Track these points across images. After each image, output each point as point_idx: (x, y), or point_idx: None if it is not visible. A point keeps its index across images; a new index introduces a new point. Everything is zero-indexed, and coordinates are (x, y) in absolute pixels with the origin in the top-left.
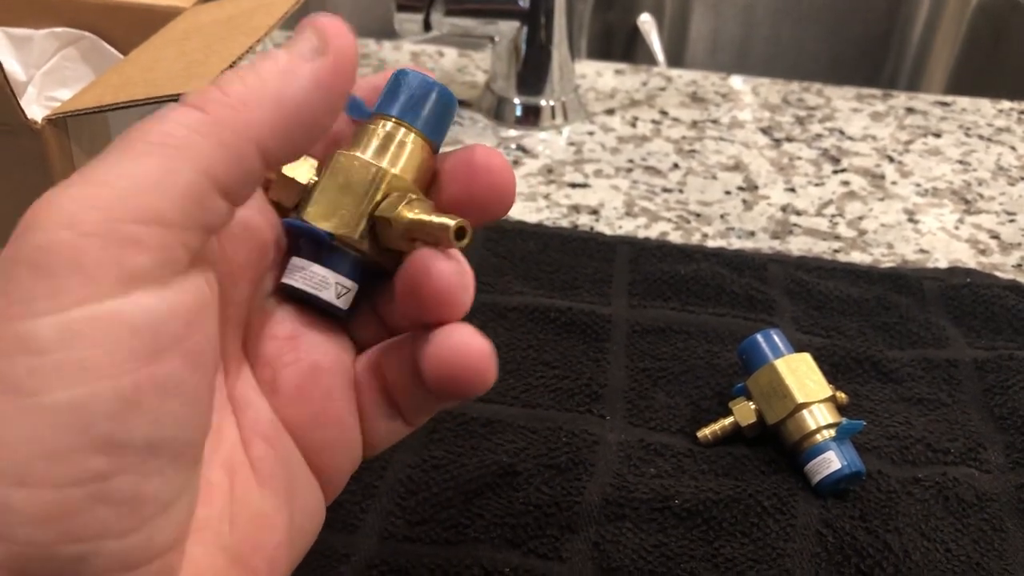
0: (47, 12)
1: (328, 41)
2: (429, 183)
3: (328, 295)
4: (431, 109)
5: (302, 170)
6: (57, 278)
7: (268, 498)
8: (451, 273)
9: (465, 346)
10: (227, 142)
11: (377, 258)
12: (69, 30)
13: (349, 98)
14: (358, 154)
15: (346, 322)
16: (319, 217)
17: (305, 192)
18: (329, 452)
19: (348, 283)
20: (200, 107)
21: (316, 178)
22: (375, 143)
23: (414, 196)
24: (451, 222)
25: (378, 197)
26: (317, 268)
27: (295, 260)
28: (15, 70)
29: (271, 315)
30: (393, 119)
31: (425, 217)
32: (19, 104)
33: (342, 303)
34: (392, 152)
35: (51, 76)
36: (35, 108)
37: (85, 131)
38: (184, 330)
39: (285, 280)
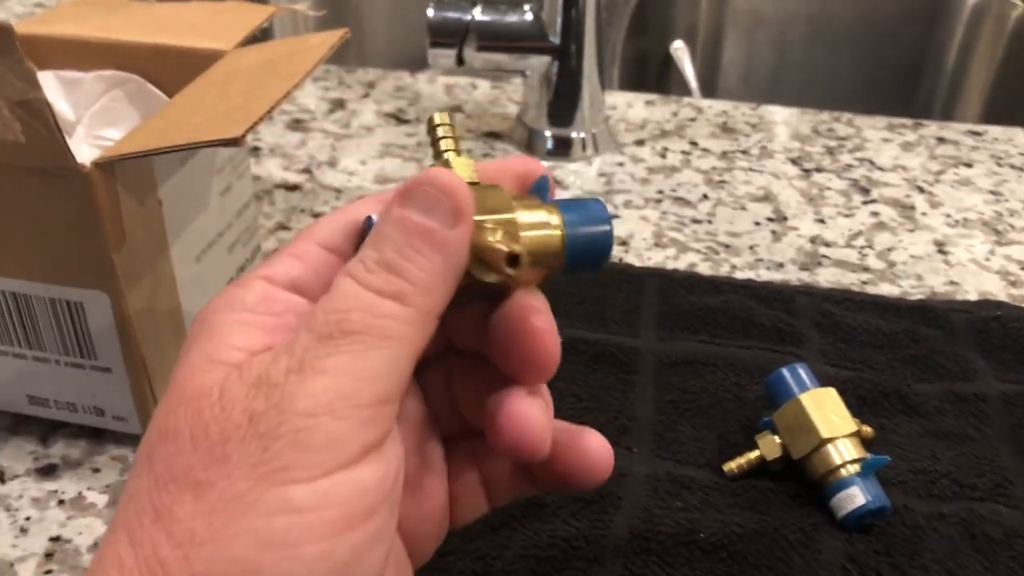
0: (96, 56)
1: (459, 205)
2: (531, 278)
3: None
4: (589, 244)
5: (466, 171)
6: (315, 453)
7: None
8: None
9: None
10: (426, 325)
11: None
12: (116, 73)
13: (541, 177)
14: (514, 201)
15: None
16: None
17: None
18: (423, 536)
19: None
20: (398, 299)
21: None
22: (532, 212)
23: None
24: (504, 248)
25: (489, 224)
26: None
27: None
28: (65, 111)
29: None
30: (561, 217)
31: (488, 239)
32: (69, 149)
33: None
34: (535, 228)
35: (99, 116)
36: (84, 147)
37: (131, 173)
38: (392, 487)
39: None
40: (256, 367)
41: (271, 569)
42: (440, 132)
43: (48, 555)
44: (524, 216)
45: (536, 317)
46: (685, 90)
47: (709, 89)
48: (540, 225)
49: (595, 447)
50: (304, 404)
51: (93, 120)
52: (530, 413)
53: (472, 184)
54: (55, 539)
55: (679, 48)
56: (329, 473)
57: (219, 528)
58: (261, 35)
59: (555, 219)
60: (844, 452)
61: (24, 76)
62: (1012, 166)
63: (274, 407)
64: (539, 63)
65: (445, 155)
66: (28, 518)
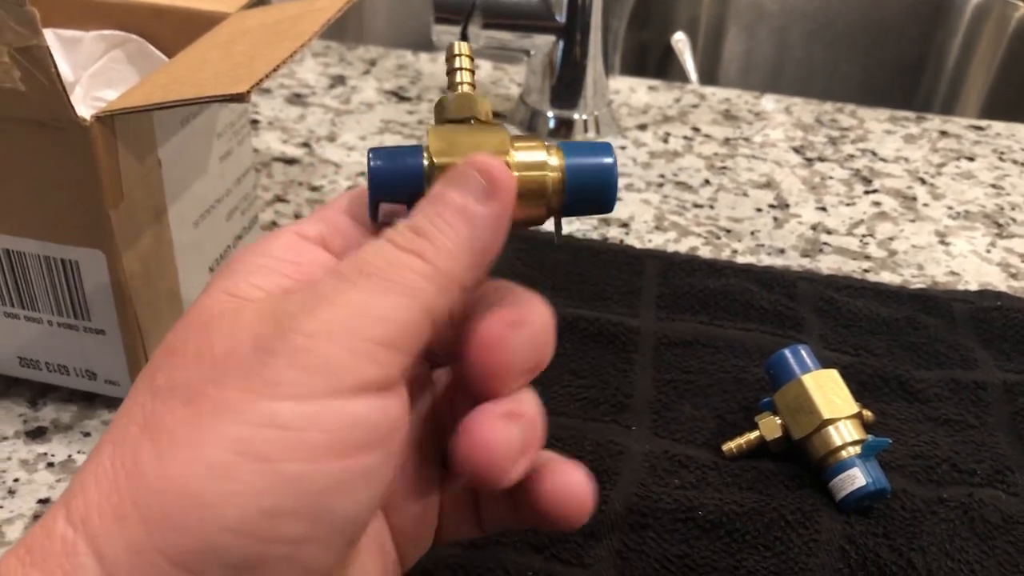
0: (96, 15)
1: (495, 183)
2: (526, 220)
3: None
4: (588, 183)
5: (479, 105)
6: (308, 373)
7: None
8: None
9: (577, 487)
10: (443, 285)
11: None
12: (117, 33)
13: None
14: (515, 141)
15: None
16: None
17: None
18: (409, 539)
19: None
20: (420, 255)
21: (480, 119)
22: (529, 152)
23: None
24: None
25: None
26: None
27: None
28: (64, 70)
29: None
30: (562, 158)
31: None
32: (69, 100)
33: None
34: (529, 168)
35: (98, 77)
36: (82, 108)
37: (131, 130)
38: (389, 433)
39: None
40: (273, 300)
41: (245, 479)
42: (458, 63)
43: (36, 517)
44: (520, 156)
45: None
46: (685, 82)
47: (709, 82)
48: (535, 165)
49: (573, 482)
50: (308, 326)
51: (92, 81)
52: (493, 435)
53: (476, 121)
54: (43, 501)
55: (680, 40)
56: (320, 397)
57: (201, 433)
58: None
59: (554, 160)
60: (845, 433)
61: (25, 21)
62: (1014, 161)
63: (278, 328)
64: (544, 42)
65: (461, 87)
66: (16, 480)
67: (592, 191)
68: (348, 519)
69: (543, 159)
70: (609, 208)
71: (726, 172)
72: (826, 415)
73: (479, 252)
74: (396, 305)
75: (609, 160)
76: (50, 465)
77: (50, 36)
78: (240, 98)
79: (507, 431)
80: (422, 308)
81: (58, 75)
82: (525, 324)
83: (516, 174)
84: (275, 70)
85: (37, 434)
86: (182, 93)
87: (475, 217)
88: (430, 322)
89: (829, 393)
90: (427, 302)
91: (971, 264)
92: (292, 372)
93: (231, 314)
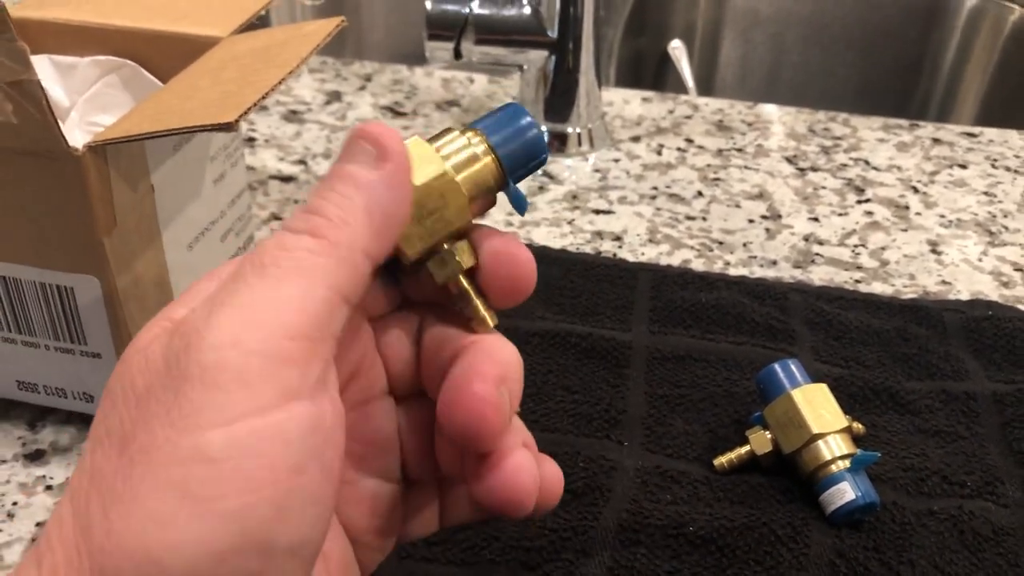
0: (91, 41)
1: (384, 148)
2: (484, 208)
3: None
4: (524, 156)
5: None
6: (226, 392)
7: None
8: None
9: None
10: (344, 257)
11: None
12: (111, 58)
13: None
14: (436, 146)
15: None
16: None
17: None
18: (366, 545)
19: None
20: (312, 233)
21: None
22: (457, 153)
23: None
24: (492, 322)
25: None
26: None
27: None
28: (59, 96)
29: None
30: (486, 141)
31: (475, 298)
32: (61, 131)
33: None
34: (468, 166)
35: (93, 102)
36: (77, 133)
37: (123, 158)
38: (323, 445)
39: None
40: (187, 317)
41: (185, 526)
42: None
43: (34, 540)
44: (453, 160)
45: (514, 248)
46: (682, 89)
47: (706, 89)
48: (471, 161)
49: (514, 468)
50: (211, 338)
51: (87, 106)
52: (525, 464)
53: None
54: (42, 524)
55: (676, 47)
56: (244, 417)
57: (136, 482)
58: (258, 23)
59: (481, 147)
60: (834, 447)
61: (16, 56)
62: (1007, 168)
63: (184, 347)
64: (536, 57)
65: None
66: (15, 503)
67: (526, 157)
68: (298, 543)
69: (474, 152)
70: (544, 159)
71: (719, 184)
72: (815, 429)
73: (380, 217)
74: (295, 291)
75: (525, 120)
76: (48, 488)
77: (46, 62)
78: (228, 127)
79: (530, 459)
80: (327, 287)
81: (49, 108)
82: (507, 379)
83: (458, 178)
84: (263, 98)
85: (36, 456)
86: (171, 122)
87: (368, 183)
88: (341, 300)
89: (818, 407)
90: (330, 279)
91: (963, 273)
92: (208, 395)
93: (155, 341)
